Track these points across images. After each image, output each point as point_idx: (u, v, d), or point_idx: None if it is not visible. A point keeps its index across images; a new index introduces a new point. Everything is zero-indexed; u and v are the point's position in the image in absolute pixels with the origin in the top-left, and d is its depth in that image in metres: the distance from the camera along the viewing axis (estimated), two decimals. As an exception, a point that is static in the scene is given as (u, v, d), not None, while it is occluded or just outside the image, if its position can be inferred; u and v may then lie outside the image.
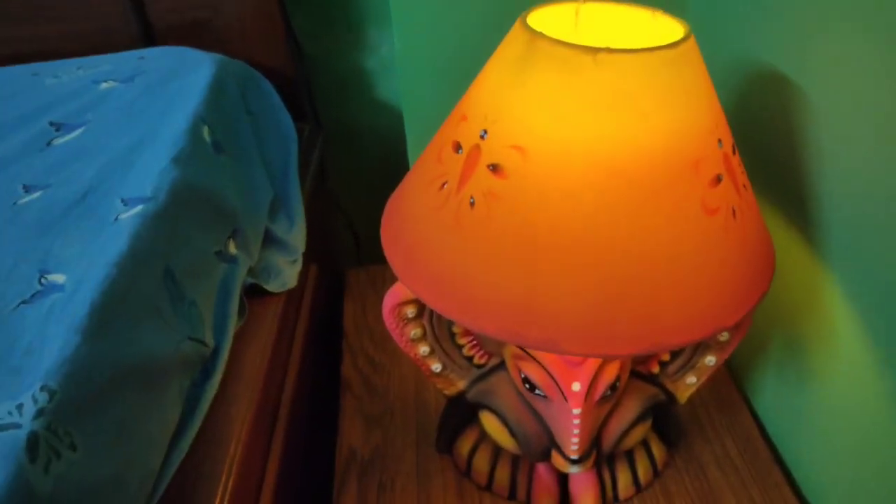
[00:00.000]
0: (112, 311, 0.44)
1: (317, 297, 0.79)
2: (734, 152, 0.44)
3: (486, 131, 0.42)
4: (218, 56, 0.76)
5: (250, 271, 0.63)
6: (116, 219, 0.51)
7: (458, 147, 0.44)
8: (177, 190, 0.55)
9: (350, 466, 0.62)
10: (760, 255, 0.45)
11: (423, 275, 0.45)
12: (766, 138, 0.57)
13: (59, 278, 0.46)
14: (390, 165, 1.00)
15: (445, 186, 0.44)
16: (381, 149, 1.01)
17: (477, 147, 0.42)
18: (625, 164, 0.39)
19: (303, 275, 0.74)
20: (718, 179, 0.41)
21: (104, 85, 0.72)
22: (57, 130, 0.66)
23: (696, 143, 0.40)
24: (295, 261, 0.69)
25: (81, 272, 0.46)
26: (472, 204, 0.42)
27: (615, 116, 0.38)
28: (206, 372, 0.53)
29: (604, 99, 0.38)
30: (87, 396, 0.39)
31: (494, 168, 0.41)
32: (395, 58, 0.77)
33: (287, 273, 0.66)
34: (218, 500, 0.46)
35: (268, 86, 0.82)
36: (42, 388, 0.37)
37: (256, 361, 0.57)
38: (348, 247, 1.08)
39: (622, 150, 0.39)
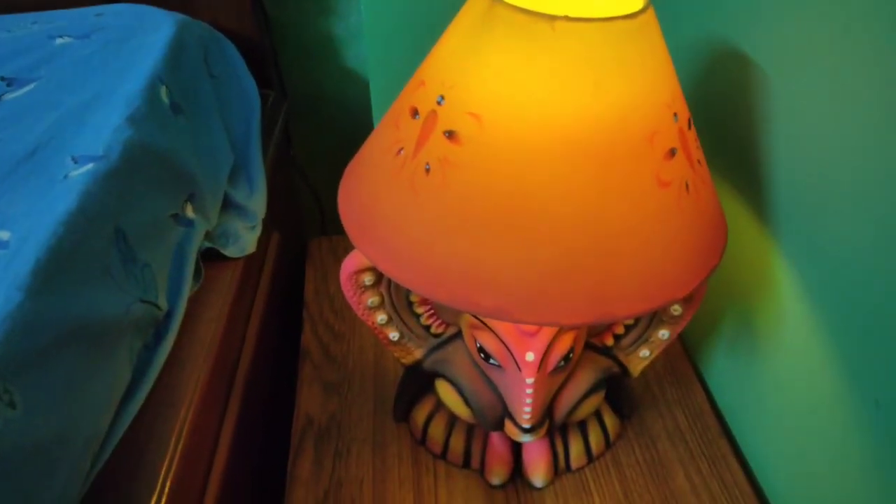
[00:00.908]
0: (58, 269, 0.43)
1: (278, 266, 0.78)
2: (690, 127, 0.44)
3: (442, 97, 0.41)
4: (180, 16, 0.74)
5: (208, 235, 0.62)
6: (66, 176, 0.50)
7: (415, 113, 0.43)
8: (130, 149, 0.53)
9: (307, 433, 0.62)
10: (712, 229, 0.45)
11: (378, 241, 0.44)
12: (722, 115, 0.58)
13: (3, 235, 0.45)
14: (356, 135, 0.99)
15: (402, 153, 0.43)
16: (346, 118, 1.00)
17: (434, 113, 0.42)
18: (580, 133, 0.39)
19: (265, 243, 0.74)
20: (673, 153, 0.41)
21: (59, 40, 0.69)
22: (8, 85, 0.64)
23: (652, 116, 0.40)
24: (254, 227, 0.68)
25: (27, 229, 0.45)
26: (427, 170, 0.41)
27: (572, 86, 0.38)
28: (159, 335, 0.53)
29: (561, 68, 0.38)
30: (29, 354, 0.38)
31: (450, 135, 0.40)
32: (363, 25, 0.76)
33: (246, 239, 0.65)
34: (167, 462, 0.46)
35: (232, 49, 0.81)
36: (-20, 345, 0.36)
37: (212, 326, 0.57)
38: (313, 216, 1.07)
39: (578, 120, 0.39)
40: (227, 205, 0.67)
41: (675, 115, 0.42)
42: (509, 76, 0.39)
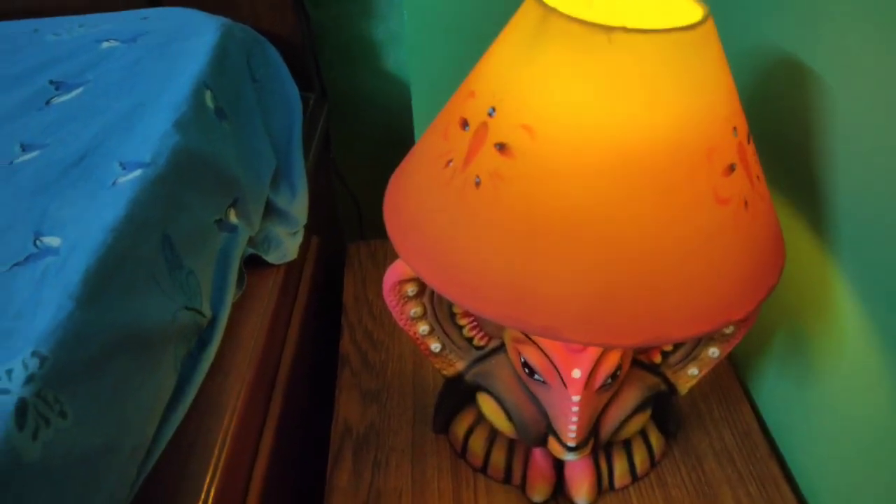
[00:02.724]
0: (107, 277, 0.43)
1: (317, 270, 0.78)
2: (749, 141, 0.42)
3: (494, 109, 0.40)
4: (223, 19, 0.74)
5: (250, 241, 0.62)
6: (114, 183, 0.50)
7: (464, 124, 0.42)
8: (177, 155, 0.54)
9: (345, 442, 0.62)
10: (770, 249, 0.43)
11: (424, 253, 0.44)
12: (780, 128, 0.56)
13: (54, 241, 0.46)
14: (396, 139, 0.99)
15: (451, 164, 0.42)
16: (387, 121, 1.00)
17: (484, 125, 0.41)
18: (636, 148, 0.37)
19: (304, 247, 0.73)
20: (732, 169, 0.40)
21: (105, 44, 0.70)
22: (56, 89, 0.65)
23: (711, 131, 0.39)
24: (296, 232, 0.68)
25: (77, 236, 0.45)
26: (477, 183, 0.41)
27: (628, 99, 0.37)
28: (203, 342, 0.53)
29: (617, 80, 0.37)
30: (80, 363, 0.39)
31: (502, 147, 0.39)
32: (404, 28, 0.75)
33: (287, 245, 0.65)
34: (211, 470, 0.46)
35: (274, 52, 0.81)
36: (33, 354, 0.36)
37: (254, 333, 0.57)
38: (351, 220, 1.07)
39: (634, 135, 0.37)
40: (269, 210, 0.67)
41: (735, 129, 0.40)
42: (563, 88, 0.38)
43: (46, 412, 0.35)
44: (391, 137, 0.99)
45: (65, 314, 0.39)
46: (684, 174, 0.38)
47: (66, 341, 0.38)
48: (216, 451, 0.47)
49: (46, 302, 0.40)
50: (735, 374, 0.67)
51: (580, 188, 0.38)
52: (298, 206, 0.70)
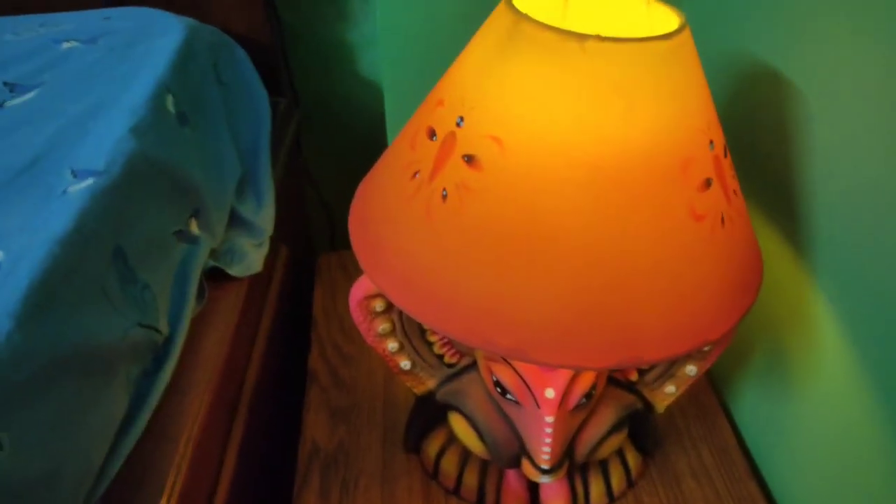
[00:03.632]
0: (51, 293, 0.40)
1: (286, 282, 0.75)
2: (726, 155, 0.41)
3: (462, 118, 0.38)
4: (189, 20, 0.72)
5: (212, 253, 0.60)
6: (65, 192, 0.47)
7: (432, 133, 0.40)
8: (133, 163, 0.51)
9: (313, 463, 0.60)
10: (748, 266, 0.42)
11: (390, 269, 0.41)
12: (757, 140, 0.54)
13: (-5, 255, 0.43)
14: (369, 145, 0.96)
15: (417, 175, 0.41)
16: (359, 127, 0.97)
17: (452, 135, 0.39)
18: (609, 161, 0.36)
19: (272, 257, 0.71)
20: (708, 183, 0.38)
21: (65, 45, 0.67)
22: (11, 91, 0.61)
23: (687, 143, 0.37)
24: (261, 244, 0.65)
25: (21, 248, 0.43)
26: (444, 196, 0.39)
27: (601, 109, 0.35)
28: (159, 361, 0.50)
29: (590, 90, 0.35)
30: (17, 388, 0.36)
31: (469, 159, 0.38)
32: (377, 32, 0.73)
33: (252, 257, 0.63)
34: (164, 500, 0.43)
35: (243, 55, 0.78)
36: (-37, 381, 0.34)
37: (215, 350, 0.54)
38: (323, 229, 1.04)
39: (607, 146, 0.36)
40: (234, 220, 0.64)
41: (711, 142, 0.39)
42: (534, 98, 0.36)
43: (-24, 443, 0.33)
44: (364, 144, 0.96)
45: (2, 336, 0.36)
46: (658, 188, 0.37)
47: (2, 364, 0.35)
48: (171, 479, 0.44)
49: (-17, 321, 0.37)
50: (713, 390, 0.66)
51: (550, 203, 0.36)
52: (265, 216, 0.67)
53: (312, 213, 1.03)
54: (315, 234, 1.06)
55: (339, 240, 1.05)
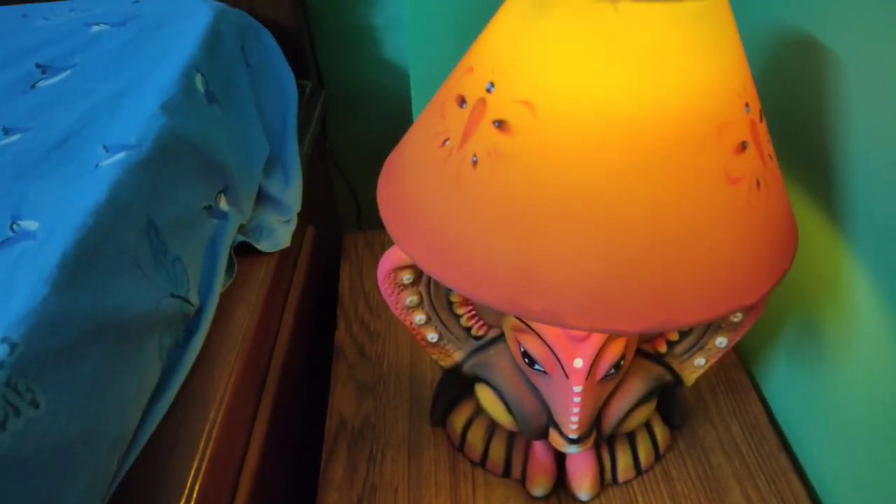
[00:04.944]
0: (86, 262, 0.41)
1: (313, 261, 0.76)
2: (761, 119, 0.40)
3: (493, 84, 0.38)
4: (217, 3, 0.72)
5: (241, 229, 0.60)
6: (97, 166, 0.48)
7: (462, 101, 0.40)
8: (164, 139, 0.52)
9: (340, 436, 0.60)
10: (783, 231, 0.41)
11: (420, 237, 0.41)
12: (792, 107, 0.53)
13: (31, 225, 0.44)
14: (394, 128, 0.97)
15: (447, 143, 0.40)
16: (385, 110, 0.98)
17: (482, 101, 0.39)
18: (643, 124, 0.35)
19: (299, 237, 0.72)
20: (744, 147, 0.38)
21: (95, 28, 0.68)
22: (43, 73, 0.63)
23: (722, 106, 0.37)
24: (289, 220, 0.66)
25: (56, 220, 0.43)
26: (474, 163, 0.38)
27: (635, 72, 0.35)
28: (190, 332, 0.51)
29: (624, 52, 0.35)
30: (54, 351, 0.37)
31: (500, 124, 0.37)
32: (404, 14, 0.73)
33: (280, 233, 0.63)
34: (196, 464, 0.44)
35: (269, 38, 0.79)
36: (3, 341, 0.34)
37: (244, 322, 0.55)
38: (348, 211, 1.05)
39: (641, 109, 0.35)
40: (262, 198, 0.65)
41: (747, 105, 0.38)
42: (566, 61, 0.36)
43: (16, 401, 0.34)
44: (389, 127, 0.96)
45: (38, 300, 0.37)
46: (693, 151, 0.36)
47: (39, 328, 0.36)
48: (201, 445, 0.45)
49: (20, 287, 0.38)
50: (743, 365, 0.65)
51: (582, 166, 0.36)
52: (292, 193, 0.68)
53: (338, 195, 1.04)
54: (341, 217, 1.07)
55: (364, 221, 1.05)
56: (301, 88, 0.82)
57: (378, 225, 0.75)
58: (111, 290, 0.42)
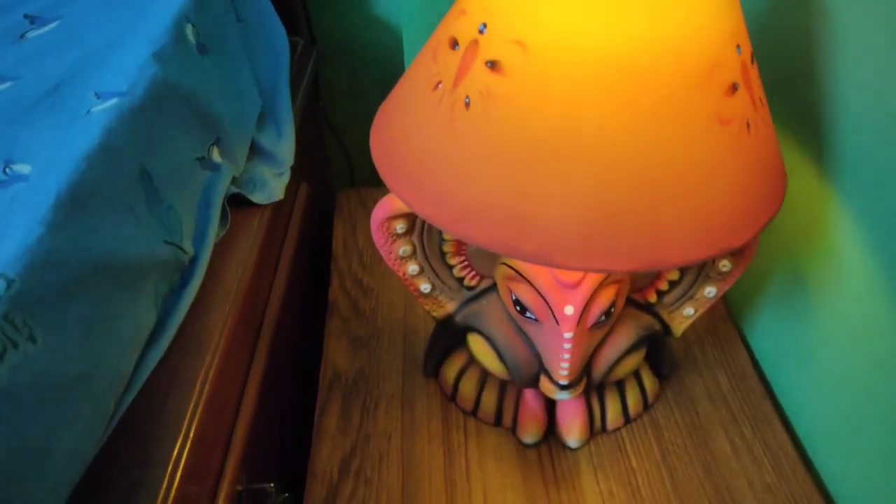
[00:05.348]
0: (80, 204, 0.41)
1: (306, 217, 0.76)
2: (752, 62, 0.40)
3: (485, 25, 0.38)
4: (207, -45, 0.71)
5: (234, 181, 0.60)
6: (88, 112, 0.48)
7: (454, 43, 0.40)
8: (156, 87, 0.51)
9: (334, 387, 0.61)
10: (772, 175, 0.42)
11: (412, 180, 0.42)
12: (781, 53, 0.54)
13: (24, 168, 0.44)
14: (386, 86, 0.96)
15: (440, 86, 0.41)
16: (377, 68, 0.97)
17: (475, 42, 0.39)
18: (634, 63, 0.36)
19: (293, 193, 0.72)
20: (734, 88, 0.38)
21: (84, -22, 0.67)
22: (31, 23, 0.62)
23: (714, 47, 0.37)
24: (282, 174, 0.66)
25: (49, 163, 0.43)
26: (467, 104, 0.39)
27: (627, 10, 0.35)
28: (185, 279, 0.51)
29: (617, -9, 0.35)
30: (50, 289, 0.37)
31: (493, 65, 0.37)
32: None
33: (273, 185, 0.63)
34: (192, 406, 0.45)
35: (261, -7, 0.78)
36: (-1, 277, 0.35)
37: (239, 272, 0.55)
38: (341, 169, 1.05)
39: (632, 48, 0.35)
40: (255, 151, 0.65)
41: (739, 47, 0.39)
42: (559, 1, 0.36)
43: (14, 335, 0.34)
44: (382, 84, 0.96)
45: (33, 238, 0.37)
46: (685, 91, 0.36)
47: (35, 266, 0.36)
48: (197, 388, 0.45)
49: (15, 227, 0.38)
50: (730, 317, 0.66)
51: (574, 105, 0.36)
52: (285, 147, 0.68)
53: (331, 154, 1.03)
54: (334, 176, 1.06)
55: (357, 178, 1.05)
56: (293, 45, 0.81)
57: (371, 183, 0.75)
58: (105, 233, 0.43)
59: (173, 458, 0.42)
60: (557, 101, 0.36)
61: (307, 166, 0.81)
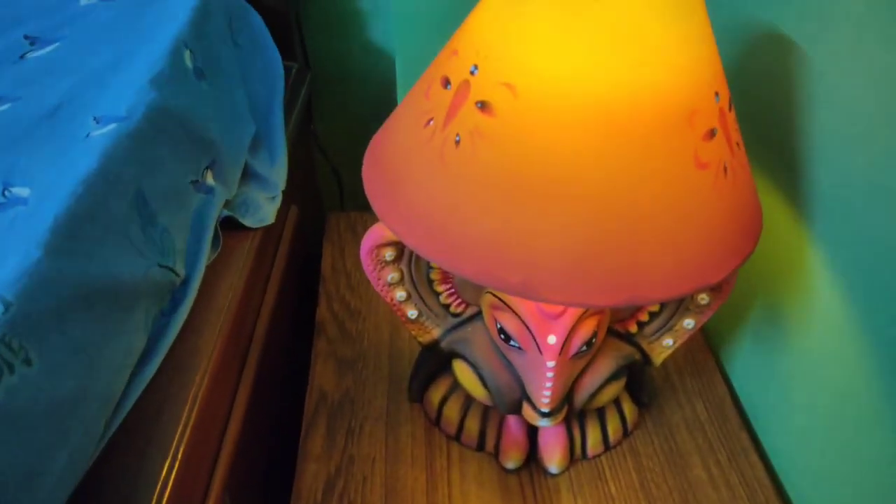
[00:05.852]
0: (77, 228, 0.42)
1: (296, 240, 0.77)
2: (730, 108, 0.42)
3: (476, 67, 0.40)
4: (206, -19, 0.73)
5: (227, 204, 0.61)
6: (87, 136, 0.49)
7: (446, 83, 0.42)
8: (153, 112, 0.53)
9: (319, 409, 0.62)
10: (748, 215, 0.44)
11: (403, 212, 0.43)
12: (759, 99, 0.56)
13: (23, 192, 0.45)
14: (379, 111, 0.98)
15: (431, 123, 0.42)
16: (370, 94, 0.99)
17: (466, 83, 0.40)
18: (618, 107, 0.37)
19: (283, 215, 0.73)
20: (713, 133, 0.40)
21: (84, 1, 0.68)
22: (31, 44, 0.63)
23: (694, 94, 0.39)
24: (274, 197, 0.67)
25: (47, 187, 0.44)
26: (457, 142, 0.40)
27: (613, 57, 0.37)
28: (176, 301, 0.52)
29: (602, 38, 0.37)
30: (46, 312, 0.38)
31: (483, 105, 0.39)
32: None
33: (265, 209, 0.64)
34: (181, 427, 0.45)
35: (257, 19, 0.79)
36: (-3, 300, 0.36)
37: (229, 295, 0.56)
38: (332, 192, 1.06)
39: (617, 94, 0.37)
40: (248, 174, 0.66)
41: (717, 94, 0.40)
42: (547, 46, 0.37)
43: (10, 358, 0.35)
44: (374, 110, 0.97)
45: (31, 262, 0.38)
46: (665, 135, 0.38)
47: (33, 289, 0.37)
48: (186, 409, 0.46)
49: (13, 250, 0.39)
50: (709, 347, 0.68)
51: (560, 146, 0.38)
52: (277, 171, 0.69)
53: (322, 179, 1.05)
54: (324, 200, 1.08)
55: (347, 202, 1.06)
56: (287, 70, 0.83)
57: (360, 207, 0.76)
58: (101, 256, 0.43)
59: (161, 478, 0.42)
60: (544, 142, 0.38)
61: (298, 189, 0.82)
